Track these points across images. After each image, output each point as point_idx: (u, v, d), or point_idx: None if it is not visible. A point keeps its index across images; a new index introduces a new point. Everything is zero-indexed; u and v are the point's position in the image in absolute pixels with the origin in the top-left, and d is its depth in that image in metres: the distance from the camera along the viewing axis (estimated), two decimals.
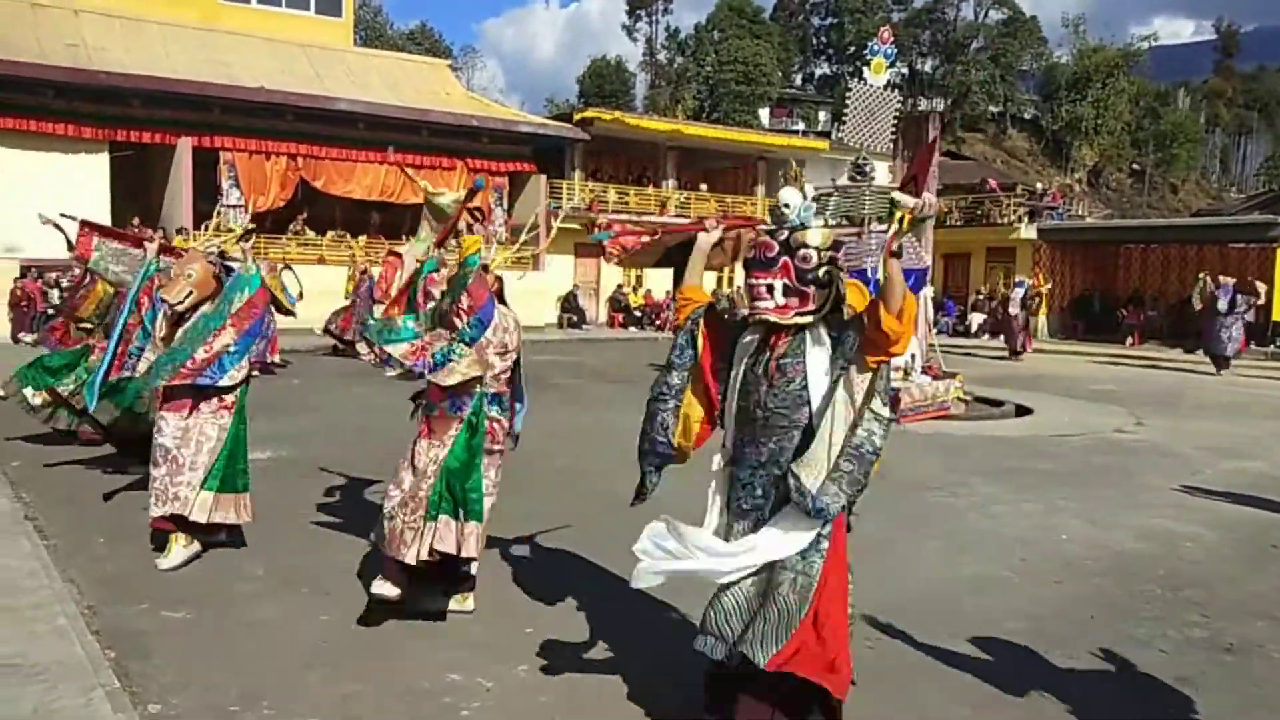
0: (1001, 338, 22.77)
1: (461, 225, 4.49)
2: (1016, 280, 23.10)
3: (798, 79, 63.81)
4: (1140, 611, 4.99)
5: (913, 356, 12.39)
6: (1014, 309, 21.22)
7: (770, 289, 3.37)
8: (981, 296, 29.43)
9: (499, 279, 4.60)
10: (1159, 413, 12.69)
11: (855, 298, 12.21)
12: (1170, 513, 7.15)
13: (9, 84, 19.35)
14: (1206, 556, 6.06)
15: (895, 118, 13.55)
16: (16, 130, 19.75)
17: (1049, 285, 24.06)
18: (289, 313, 5.83)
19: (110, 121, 20.76)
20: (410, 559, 4.27)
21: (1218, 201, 54.86)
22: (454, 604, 4.58)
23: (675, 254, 4.12)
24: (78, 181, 19.89)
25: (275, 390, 10.05)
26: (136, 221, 20.59)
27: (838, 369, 3.32)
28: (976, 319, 28.98)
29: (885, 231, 12.60)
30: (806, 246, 3.40)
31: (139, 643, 4.16)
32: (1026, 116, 61.58)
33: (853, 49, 55.83)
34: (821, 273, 3.43)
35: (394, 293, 4.62)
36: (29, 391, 7.89)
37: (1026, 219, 29.12)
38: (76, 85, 20.09)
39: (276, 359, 5.91)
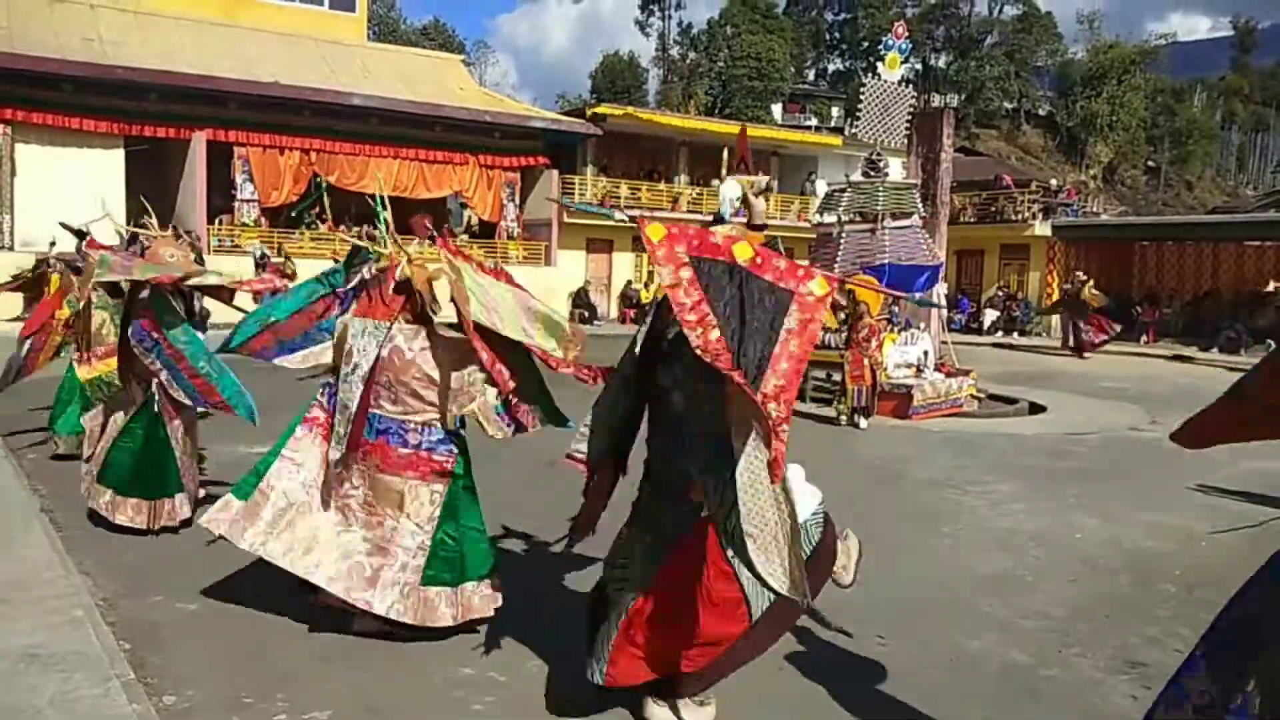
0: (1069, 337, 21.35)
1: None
2: (1081, 278, 21.45)
3: (811, 74, 63.58)
4: (1156, 610, 4.97)
5: (925, 354, 12.36)
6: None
7: None
8: (1001, 294, 29.30)
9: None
10: (1174, 411, 12.56)
11: (867, 294, 12.19)
12: (1185, 511, 7.11)
13: (25, 78, 19.45)
14: (1221, 555, 6.02)
15: (909, 113, 13.52)
16: (33, 124, 19.87)
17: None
18: None
19: (125, 116, 20.85)
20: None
21: (1234, 199, 54.42)
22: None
23: None
24: (93, 176, 19.99)
25: (279, 386, 10.07)
26: (155, 222, 20.67)
27: None
28: (990, 316, 28.87)
29: (901, 228, 12.51)
30: None
31: (154, 634, 4.19)
32: (1041, 113, 61.25)
33: (866, 44, 55.53)
34: None
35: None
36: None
37: (1041, 216, 28.98)
38: (92, 80, 20.18)
39: None
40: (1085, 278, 21.38)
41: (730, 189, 3.43)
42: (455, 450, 4.18)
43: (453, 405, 4.09)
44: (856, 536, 3.70)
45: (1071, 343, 20.85)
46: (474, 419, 4.16)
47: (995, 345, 23.10)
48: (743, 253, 2.93)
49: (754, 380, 2.77)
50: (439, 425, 4.13)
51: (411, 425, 4.13)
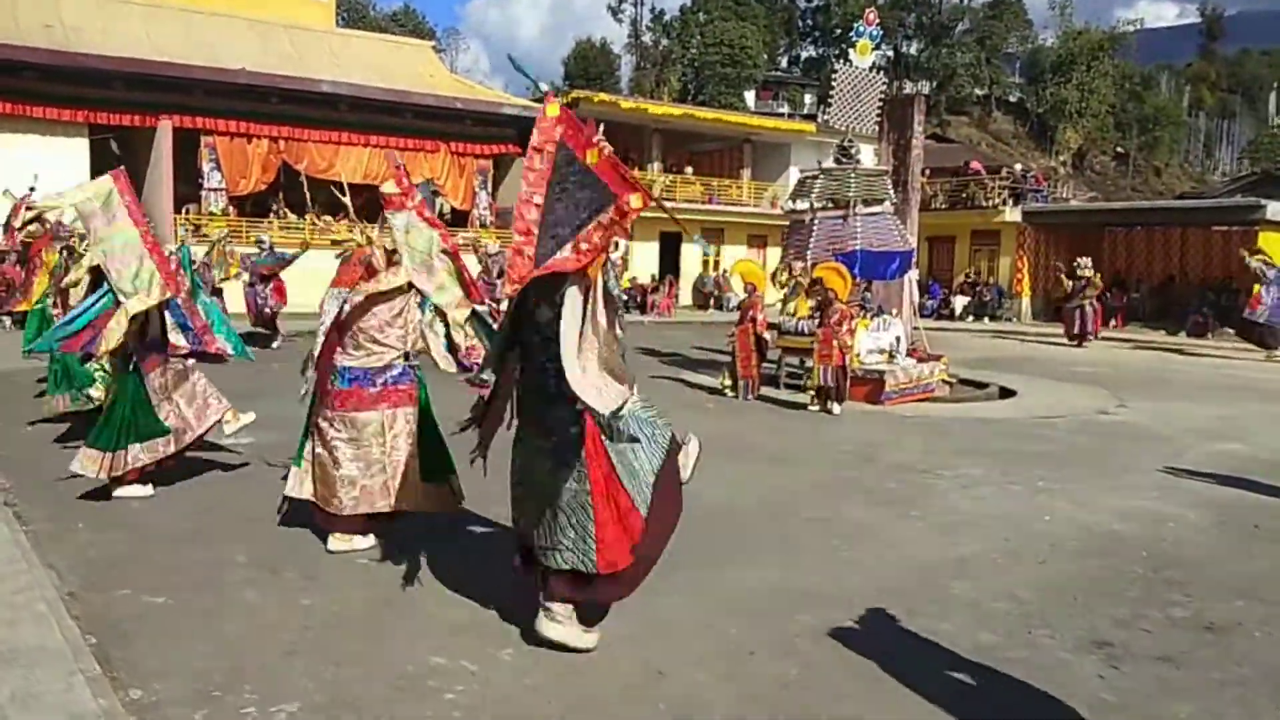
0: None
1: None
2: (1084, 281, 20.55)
3: (783, 61, 63.58)
4: (1124, 591, 5.02)
5: (897, 339, 12.41)
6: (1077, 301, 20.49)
7: None
8: (969, 280, 29.51)
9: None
10: (1142, 394, 12.76)
11: (834, 281, 12.24)
12: (1153, 494, 7.19)
13: None
14: (1189, 537, 6.10)
15: (880, 100, 13.54)
16: None
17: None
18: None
19: (89, 104, 20.51)
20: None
21: (1201, 184, 55.08)
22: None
23: None
24: (56, 165, 19.63)
25: (265, 374, 10.00)
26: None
27: None
28: (960, 302, 29.07)
29: (873, 214, 12.58)
30: None
31: (120, 628, 4.12)
32: (1011, 99, 61.65)
33: (838, 31, 55.64)
34: None
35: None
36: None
37: (1011, 202, 29.17)
38: (55, 67, 19.83)
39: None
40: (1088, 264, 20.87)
41: None
42: (414, 380, 5.32)
43: (402, 342, 5.23)
44: (697, 439, 4.37)
45: (1076, 330, 20.37)
46: (426, 356, 5.34)
47: (983, 332, 23.19)
48: (591, 157, 3.65)
49: (552, 253, 3.66)
50: (397, 364, 5.22)
51: (374, 368, 5.17)
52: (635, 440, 3.91)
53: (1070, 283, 20.66)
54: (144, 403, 6.14)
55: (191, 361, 6.65)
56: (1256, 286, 18.15)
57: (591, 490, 3.84)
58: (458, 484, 5.39)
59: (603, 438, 3.86)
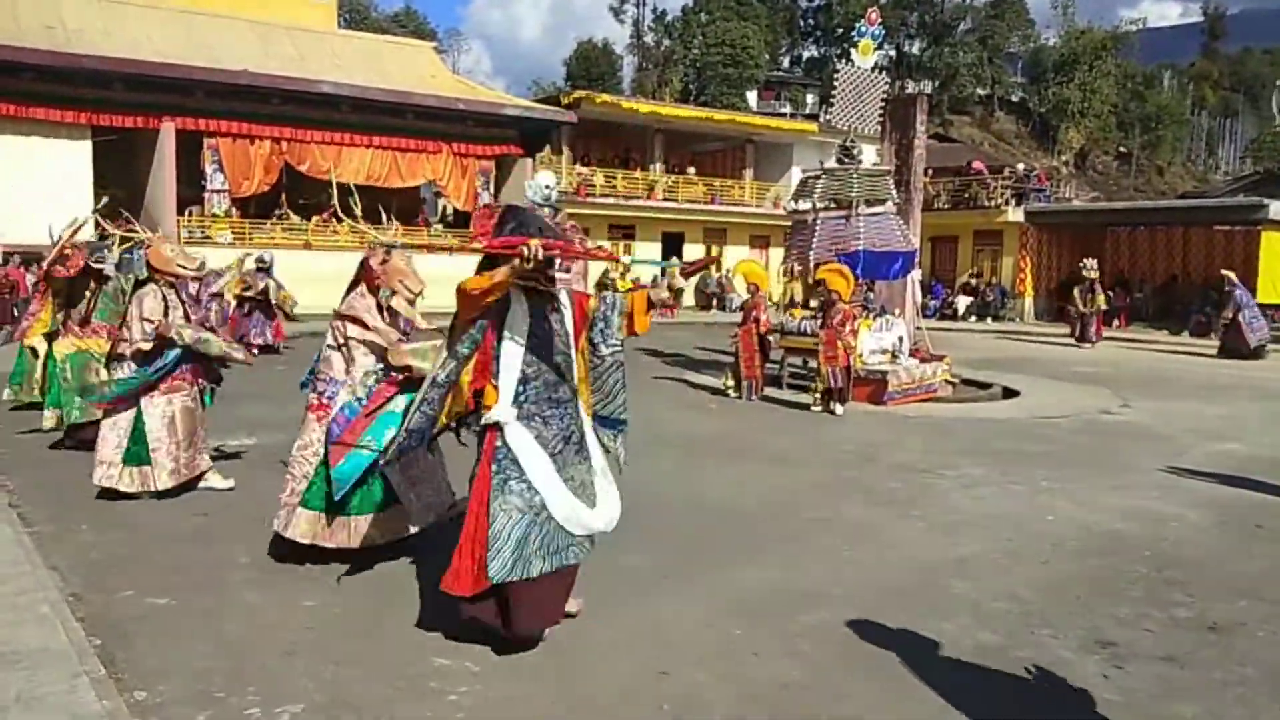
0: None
1: None
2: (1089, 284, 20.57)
3: (785, 61, 63.58)
4: (1126, 591, 5.01)
5: (900, 340, 12.40)
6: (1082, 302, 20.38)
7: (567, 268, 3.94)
8: (973, 281, 29.50)
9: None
10: (1145, 394, 12.75)
11: (838, 283, 12.25)
12: (1156, 494, 7.18)
13: None
14: (1191, 537, 6.09)
15: (882, 100, 13.53)
16: None
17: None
18: None
19: (91, 105, 20.54)
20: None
21: (1203, 184, 55.02)
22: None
23: None
24: (59, 167, 19.71)
25: (265, 376, 10.00)
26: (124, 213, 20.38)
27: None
28: (963, 302, 29.05)
29: (875, 214, 12.62)
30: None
31: (123, 629, 4.13)
32: (1014, 99, 61.64)
33: (840, 31, 55.65)
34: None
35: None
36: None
37: (1013, 202, 29.14)
38: (57, 68, 19.85)
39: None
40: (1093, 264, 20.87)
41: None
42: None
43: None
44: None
45: (1078, 332, 20.35)
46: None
47: (986, 332, 23.17)
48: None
49: None
50: (338, 378, 4.92)
51: (320, 374, 4.98)
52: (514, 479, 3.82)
53: (1075, 291, 20.72)
54: (135, 429, 6.11)
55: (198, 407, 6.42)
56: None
57: (467, 508, 3.92)
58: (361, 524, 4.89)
59: (491, 466, 3.83)
